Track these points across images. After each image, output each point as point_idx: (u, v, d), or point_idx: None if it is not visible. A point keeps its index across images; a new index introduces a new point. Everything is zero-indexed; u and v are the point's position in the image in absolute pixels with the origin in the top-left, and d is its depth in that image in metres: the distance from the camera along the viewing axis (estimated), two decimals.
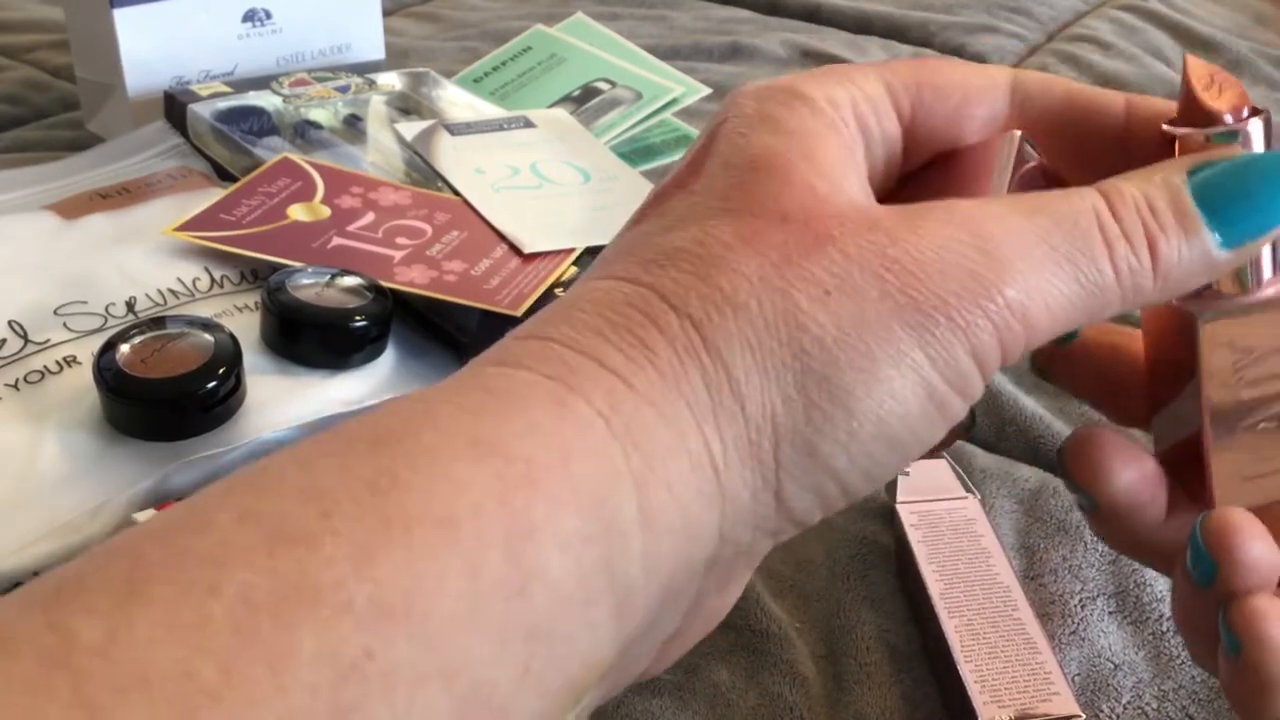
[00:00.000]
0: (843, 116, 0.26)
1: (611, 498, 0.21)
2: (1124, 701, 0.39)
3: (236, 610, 0.17)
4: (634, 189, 0.65)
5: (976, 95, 0.28)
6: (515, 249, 0.57)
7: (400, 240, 0.56)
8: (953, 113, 0.28)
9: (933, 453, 0.25)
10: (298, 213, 0.58)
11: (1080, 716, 0.37)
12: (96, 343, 0.47)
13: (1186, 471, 0.29)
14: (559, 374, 0.21)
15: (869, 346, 0.22)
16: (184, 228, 0.56)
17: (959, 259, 0.23)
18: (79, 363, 0.48)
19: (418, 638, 0.18)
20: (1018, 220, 0.23)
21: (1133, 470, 0.28)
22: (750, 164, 0.24)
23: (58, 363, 0.48)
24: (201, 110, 0.67)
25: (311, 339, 0.49)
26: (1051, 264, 0.23)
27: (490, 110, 0.73)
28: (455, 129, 0.68)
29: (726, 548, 0.23)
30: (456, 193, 0.62)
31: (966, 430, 0.27)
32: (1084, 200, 0.24)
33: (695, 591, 0.23)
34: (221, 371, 0.46)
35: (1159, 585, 0.44)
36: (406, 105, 0.73)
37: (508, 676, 0.19)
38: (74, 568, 0.18)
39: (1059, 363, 0.32)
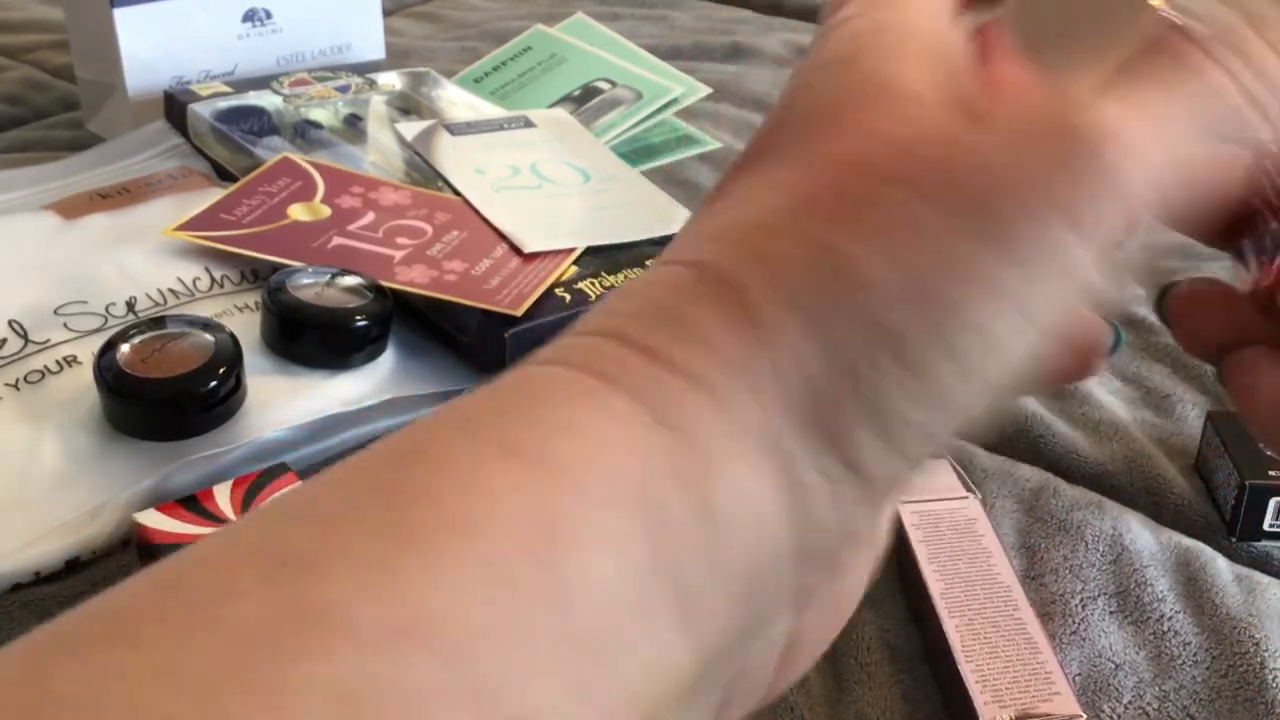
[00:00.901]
0: None
1: (655, 494, 0.19)
2: (1125, 701, 0.39)
3: (231, 646, 0.16)
4: (634, 189, 0.65)
5: None
6: (515, 249, 0.57)
7: (400, 240, 0.56)
8: None
9: (1067, 378, 0.22)
10: (298, 212, 0.58)
11: (1081, 716, 0.36)
12: (97, 342, 0.47)
13: None
14: (599, 366, 0.20)
15: (939, 289, 0.20)
16: (184, 227, 0.56)
17: (1044, 149, 0.20)
18: (79, 362, 0.48)
19: (438, 655, 0.16)
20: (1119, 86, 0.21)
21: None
22: (817, 111, 0.22)
23: (58, 362, 0.48)
24: (201, 110, 0.67)
25: (312, 339, 0.49)
26: (1162, 119, 0.20)
27: (490, 110, 0.73)
28: (455, 129, 0.68)
29: (812, 533, 0.21)
30: (457, 192, 0.62)
31: (1112, 350, 0.24)
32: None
33: (795, 587, 0.21)
34: (222, 371, 0.46)
35: (1160, 585, 0.44)
36: (407, 105, 0.73)
37: (553, 693, 0.17)
38: (69, 614, 0.17)
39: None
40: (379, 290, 0.51)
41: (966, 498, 0.45)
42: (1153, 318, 0.61)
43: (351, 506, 0.18)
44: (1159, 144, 0.20)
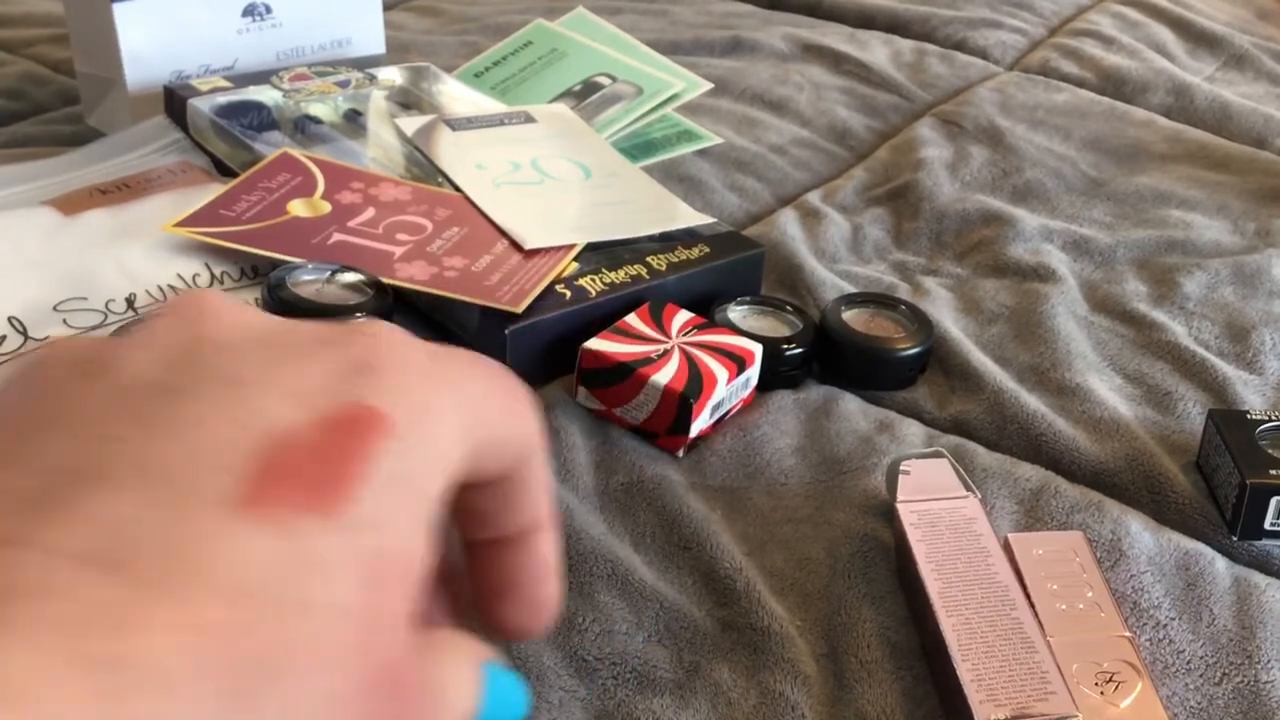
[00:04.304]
0: None
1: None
2: None
3: None
4: (635, 185, 0.65)
5: None
6: (516, 245, 0.57)
7: (401, 236, 0.56)
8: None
9: None
10: (298, 208, 0.58)
11: (1077, 716, 0.36)
12: None
13: None
14: None
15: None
16: (184, 223, 0.56)
17: None
18: None
19: None
20: None
21: None
22: None
23: None
24: (201, 105, 0.67)
25: None
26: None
27: (491, 105, 0.73)
28: (456, 124, 0.68)
29: None
30: (457, 188, 0.62)
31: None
32: None
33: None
34: None
35: (1156, 591, 0.44)
36: (407, 100, 0.72)
37: None
38: None
39: None
40: (379, 287, 0.51)
41: (966, 497, 0.45)
42: (1154, 314, 0.61)
43: None
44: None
